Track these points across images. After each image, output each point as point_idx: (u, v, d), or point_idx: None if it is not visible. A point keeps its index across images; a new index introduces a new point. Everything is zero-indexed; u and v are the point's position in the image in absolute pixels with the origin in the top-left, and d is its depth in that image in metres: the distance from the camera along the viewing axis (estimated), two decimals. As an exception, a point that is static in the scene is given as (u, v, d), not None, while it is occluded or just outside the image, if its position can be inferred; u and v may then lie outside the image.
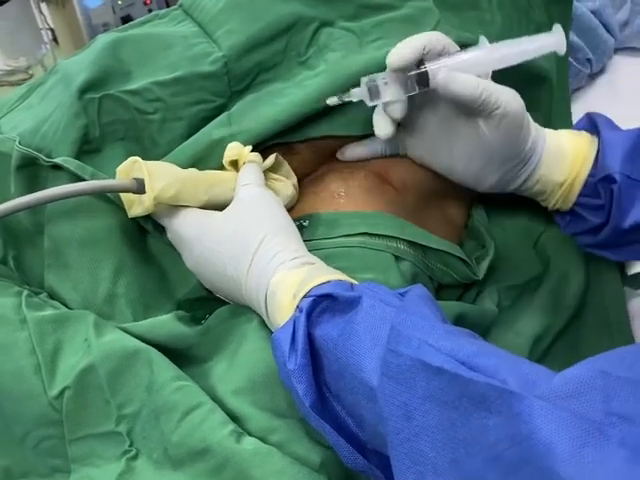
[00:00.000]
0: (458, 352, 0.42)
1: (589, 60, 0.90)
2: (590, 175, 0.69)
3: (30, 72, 2.10)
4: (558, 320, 0.77)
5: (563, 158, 0.69)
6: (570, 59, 0.88)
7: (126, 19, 2.02)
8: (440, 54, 0.65)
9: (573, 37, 0.86)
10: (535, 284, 0.80)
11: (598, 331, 0.79)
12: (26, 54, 1.99)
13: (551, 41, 0.66)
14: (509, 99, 0.64)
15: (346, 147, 0.75)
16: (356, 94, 0.66)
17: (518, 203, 0.83)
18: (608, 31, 0.90)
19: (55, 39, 2.07)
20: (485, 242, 0.80)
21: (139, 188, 0.61)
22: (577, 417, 0.35)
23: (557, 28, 0.66)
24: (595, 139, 0.69)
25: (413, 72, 0.64)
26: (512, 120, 0.65)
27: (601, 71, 0.96)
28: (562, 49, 0.66)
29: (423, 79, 0.64)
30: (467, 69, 0.63)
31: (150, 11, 1.98)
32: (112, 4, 2.09)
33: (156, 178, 0.61)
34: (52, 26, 2.01)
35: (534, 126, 0.69)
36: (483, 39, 0.65)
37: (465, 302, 0.77)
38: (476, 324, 0.71)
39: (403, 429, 0.43)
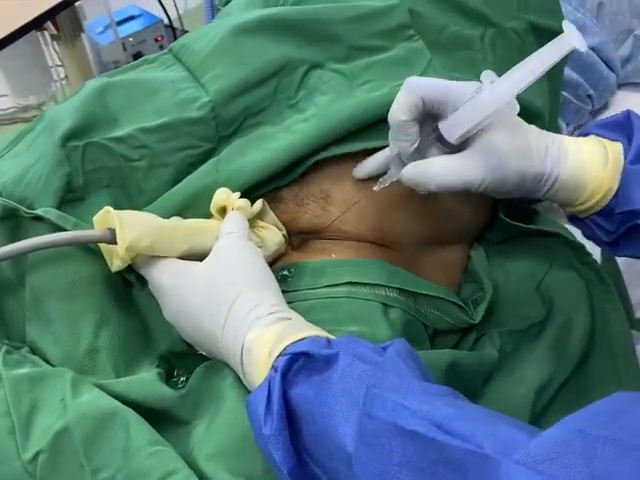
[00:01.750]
0: (434, 415, 0.40)
1: (590, 97, 0.88)
2: (609, 205, 0.65)
3: (43, 108, 2.12)
4: (563, 368, 0.74)
5: (583, 189, 0.65)
6: (569, 96, 0.86)
7: (137, 56, 2.04)
8: (440, 100, 0.61)
9: (572, 74, 0.85)
10: (538, 329, 0.77)
11: (606, 378, 0.76)
12: (36, 92, 2.01)
13: (564, 41, 0.55)
14: (492, 175, 0.61)
15: (359, 164, 0.71)
16: (393, 174, 0.65)
17: (520, 244, 0.81)
18: (609, 67, 0.88)
19: (66, 77, 2.09)
20: (484, 285, 0.77)
21: (112, 239, 0.59)
22: None
23: (567, 25, 0.56)
24: (621, 162, 0.64)
25: (431, 137, 0.62)
26: (498, 190, 0.63)
27: (604, 107, 0.94)
28: (581, 45, 0.55)
29: (442, 139, 0.62)
30: (480, 113, 0.59)
31: (162, 48, 2.00)
32: (123, 41, 2.12)
33: (129, 228, 0.59)
34: (62, 64, 2.03)
35: (550, 158, 0.64)
36: (486, 75, 0.59)
37: (463, 347, 0.75)
38: (472, 371, 0.69)
39: None
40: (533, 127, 0.65)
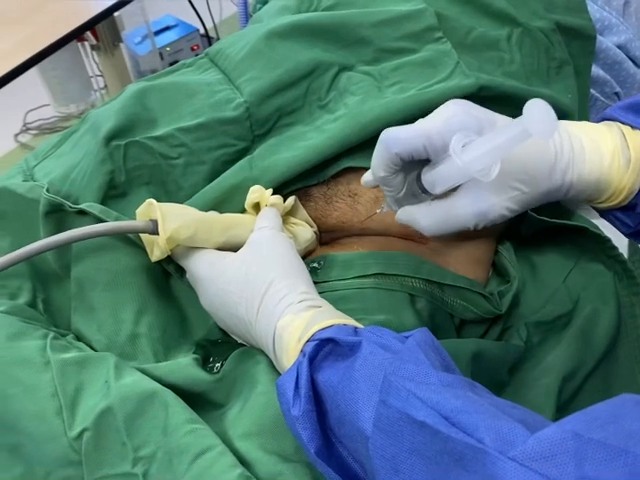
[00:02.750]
0: (443, 406, 0.42)
1: (617, 94, 0.89)
2: (631, 203, 0.63)
3: (77, 122, 2.18)
4: (589, 358, 0.75)
5: (602, 192, 0.63)
6: (596, 93, 0.87)
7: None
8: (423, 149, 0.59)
9: (599, 71, 0.86)
10: (565, 321, 0.78)
11: (631, 368, 0.77)
12: (76, 101, 2.08)
13: (524, 130, 0.51)
14: (484, 217, 0.61)
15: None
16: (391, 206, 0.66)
17: (547, 239, 0.82)
18: (636, 64, 0.89)
19: (106, 86, 2.15)
20: (510, 277, 0.79)
21: (154, 229, 0.63)
22: None
23: (531, 108, 0.50)
24: None
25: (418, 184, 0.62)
26: (501, 220, 0.62)
27: (631, 105, 0.94)
28: (540, 131, 0.50)
29: (424, 188, 0.62)
30: (453, 178, 0.58)
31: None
32: (160, 51, 2.18)
33: (170, 220, 0.62)
34: (102, 74, 2.09)
35: (559, 171, 0.61)
36: (453, 144, 0.56)
37: (489, 338, 0.76)
38: (497, 360, 0.71)
39: None
40: None
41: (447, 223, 0.62)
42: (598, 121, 0.65)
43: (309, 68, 0.76)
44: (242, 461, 0.56)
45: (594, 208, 0.68)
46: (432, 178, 0.60)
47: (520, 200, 0.61)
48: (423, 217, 0.63)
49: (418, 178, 0.62)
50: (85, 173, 0.70)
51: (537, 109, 0.50)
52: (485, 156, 0.54)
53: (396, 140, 0.59)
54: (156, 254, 0.64)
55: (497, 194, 0.60)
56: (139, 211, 0.65)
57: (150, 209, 0.64)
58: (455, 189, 0.61)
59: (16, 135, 2.38)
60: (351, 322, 0.57)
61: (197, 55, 0.84)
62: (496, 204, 0.60)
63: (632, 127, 0.62)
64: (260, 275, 0.60)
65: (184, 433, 0.56)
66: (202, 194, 0.71)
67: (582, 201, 0.66)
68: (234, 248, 0.66)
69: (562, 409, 0.72)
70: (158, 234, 0.62)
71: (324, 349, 0.53)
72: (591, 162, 0.61)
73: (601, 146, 0.61)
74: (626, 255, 0.80)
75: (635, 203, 0.63)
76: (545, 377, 0.73)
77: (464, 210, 0.61)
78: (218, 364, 0.66)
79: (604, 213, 0.68)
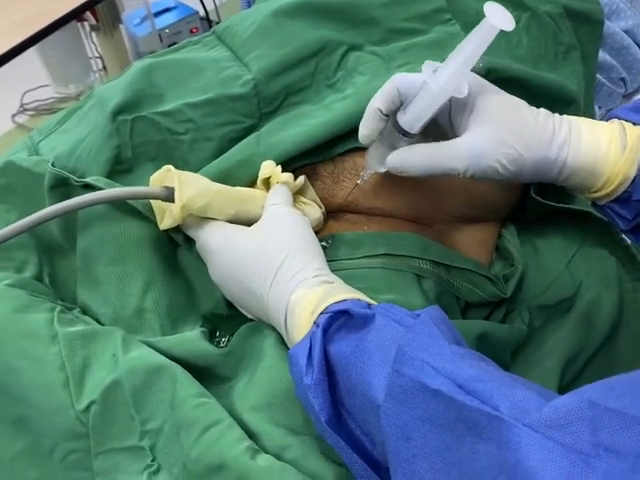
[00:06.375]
0: (457, 375, 0.42)
1: (623, 79, 0.89)
2: (626, 193, 0.64)
3: (81, 99, 2.18)
4: (590, 343, 0.76)
5: (597, 176, 0.63)
6: (603, 79, 0.87)
7: (173, 47, 2.08)
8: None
9: (605, 56, 0.86)
10: (567, 305, 0.79)
11: (634, 350, 0.77)
12: (75, 82, 2.07)
13: (489, 26, 0.57)
14: (476, 164, 0.61)
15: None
16: (371, 167, 0.67)
17: (552, 223, 0.83)
18: (643, 50, 0.89)
19: (104, 67, 2.14)
20: (514, 261, 0.79)
21: (168, 196, 0.62)
22: (563, 447, 0.35)
23: (490, 7, 0.57)
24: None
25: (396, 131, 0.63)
26: (495, 175, 0.62)
27: (637, 91, 0.95)
28: (507, 26, 0.56)
29: (404, 131, 0.63)
30: (430, 106, 0.60)
31: (196, 39, 2.04)
32: (159, 33, 2.16)
33: (186, 188, 0.62)
34: (100, 55, 2.08)
35: (556, 143, 0.62)
36: (427, 65, 0.60)
37: (493, 321, 0.76)
38: (501, 343, 0.71)
39: (402, 449, 0.43)
40: (542, 110, 0.64)
41: (439, 162, 0.61)
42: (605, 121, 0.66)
43: (317, 47, 0.75)
44: (250, 434, 0.56)
45: (591, 202, 0.69)
46: (409, 116, 0.61)
47: (514, 160, 0.61)
48: (415, 155, 0.62)
49: (395, 126, 0.62)
50: (91, 148, 0.69)
51: (494, 8, 0.57)
52: (459, 69, 0.58)
53: (402, 77, 0.64)
54: (167, 222, 0.64)
55: (494, 145, 0.60)
56: (154, 177, 0.65)
57: (166, 176, 0.64)
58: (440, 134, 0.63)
59: (13, 116, 2.36)
60: (364, 298, 0.57)
61: (196, 38, 0.83)
62: (491, 152, 0.60)
63: (634, 124, 0.63)
64: (275, 250, 0.60)
65: (192, 407, 0.56)
66: (209, 168, 0.70)
67: (577, 187, 0.66)
68: (242, 222, 0.66)
69: (564, 392, 0.72)
70: (173, 201, 0.62)
71: (337, 321, 0.53)
72: (587, 144, 0.62)
73: (599, 132, 0.63)
74: (629, 240, 0.81)
75: (630, 193, 0.63)
76: (547, 360, 0.74)
77: (459, 150, 0.61)
78: (225, 338, 0.66)
79: (602, 208, 0.68)
